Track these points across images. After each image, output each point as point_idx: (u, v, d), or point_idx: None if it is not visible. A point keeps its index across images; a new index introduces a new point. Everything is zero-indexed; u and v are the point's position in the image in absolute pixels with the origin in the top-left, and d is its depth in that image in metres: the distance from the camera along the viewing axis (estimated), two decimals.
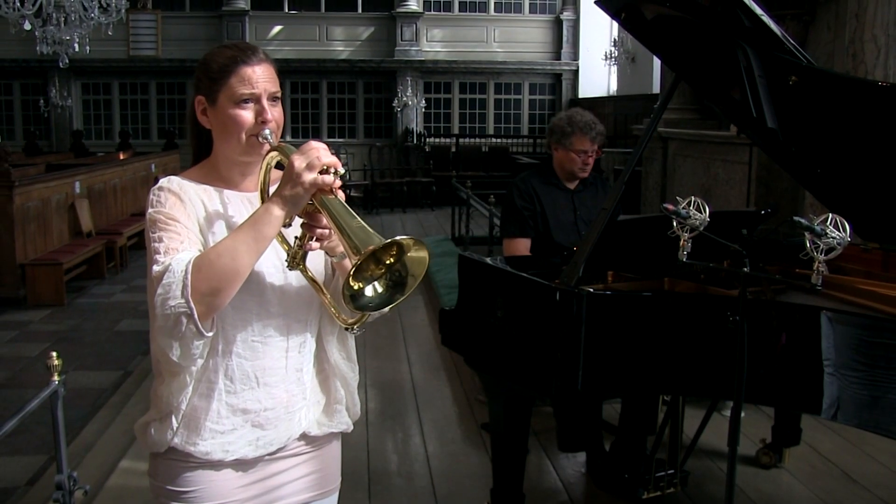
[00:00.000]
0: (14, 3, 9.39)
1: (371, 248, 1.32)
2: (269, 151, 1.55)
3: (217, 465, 1.61)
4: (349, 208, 1.41)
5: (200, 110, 1.62)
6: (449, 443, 4.16)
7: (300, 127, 16.65)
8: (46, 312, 6.90)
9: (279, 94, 1.61)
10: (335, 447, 1.81)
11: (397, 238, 1.34)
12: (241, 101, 1.56)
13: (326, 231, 1.50)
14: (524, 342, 2.64)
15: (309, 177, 1.42)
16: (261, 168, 1.57)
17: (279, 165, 1.55)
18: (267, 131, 1.55)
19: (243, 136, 1.56)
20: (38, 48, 10.22)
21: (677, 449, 3.32)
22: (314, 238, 1.51)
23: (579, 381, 2.47)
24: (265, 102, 1.57)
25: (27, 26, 9.44)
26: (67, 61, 10.53)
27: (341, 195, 1.46)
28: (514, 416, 2.92)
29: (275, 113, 1.58)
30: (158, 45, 16.09)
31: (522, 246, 3.44)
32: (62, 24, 9.73)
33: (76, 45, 9.95)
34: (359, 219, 1.38)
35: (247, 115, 1.56)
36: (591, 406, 3.59)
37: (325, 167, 1.43)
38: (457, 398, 4.78)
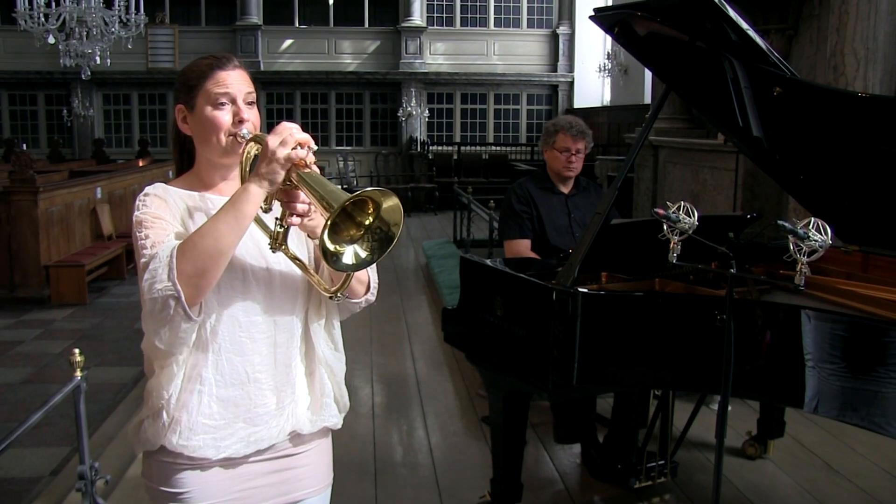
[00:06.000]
0: (39, 18, 9.43)
1: (343, 201, 1.31)
2: (246, 143, 1.55)
3: (208, 465, 1.58)
4: (324, 178, 1.41)
5: (181, 118, 1.61)
6: (451, 435, 4.16)
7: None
8: (69, 311, 6.91)
9: (254, 99, 1.61)
10: (325, 444, 1.77)
11: (366, 190, 1.34)
12: (218, 104, 1.55)
13: (306, 206, 1.48)
14: (522, 340, 2.64)
15: (283, 152, 1.41)
16: (241, 160, 1.56)
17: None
18: (245, 130, 1.55)
19: (223, 137, 1.56)
20: (61, 61, 10.26)
21: (667, 441, 3.32)
22: (294, 214, 1.48)
23: (574, 377, 2.47)
24: (241, 104, 1.57)
25: (51, 40, 9.48)
26: (89, 73, 10.57)
27: (316, 169, 1.44)
28: (512, 410, 2.92)
29: (251, 114, 1.58)
30: (176, 58, 16.11)
31: (523, 246, 3.44)
32: (84, 38, 9.75)
33: (97, 58, 9.98)
34: (333, 185, 1.38)
35: (224, 115, 1.56)
36: (585, 400, 3.60)
37: (298, 143, 1.43)
38: (458, 393, 4.78)
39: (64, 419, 4.07)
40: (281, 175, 1.43)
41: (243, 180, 1.55)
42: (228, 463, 1.60)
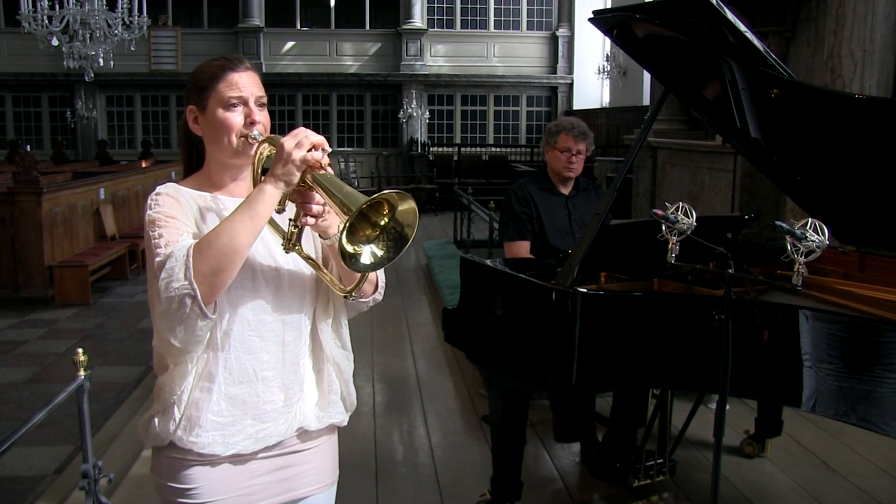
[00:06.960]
0: (42, 20, 9.44)
1: (361, 203, 1.30)
2: (259, 145, 1.55)
3: (216, 461, 1.58)
4: (339, 180, 1.41)
5: (192, 119, 1.62)
6: (451, 434, 4.16)
7: None
8: (73, 311, 6.91)
9: (265, 101, 1.61)
10: (332, 441, 1.78)
11: (384, 192, 1.34)
12: (230, 105, 1.56)
13: (320, 207, 1.48)
14: (522, 339, 2.64)
15: (298, 154, 1.42)
16: (253, 161, 1.57)
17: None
18: (256, 132, 1.55)
19: (234, 138, 1.56)
20: (65, 63, 10.28)
21: (666, 440, 3.32)
22: (308, 215, 1.49)
23: (574, 376, 2.47)
24: (252, 105, 1.58)
25: (55, 42, 9.50)
26: (93, 75, 10.58)
27: (331, 171, 1.45)
28: (512, 409, 2.92)
29: (262, 116, 1.59)
30: (178, 60, 16.13)
31: (523, 248, 3.44)
32: (88, 41, 9.76)
33: (101, 60, 9.99)
34: (349, 187, 1.38)
35: (236, 117, 1.56)
36: (584, 399, 3.60)
37: (313, 145, 1.43)
38: (459, 392, 4.78)
39: (67, 418, 4.07)
40: (296, 176, 1.44)
41: (255, 181, 1.55)
42: (237, 459, 1.61)
